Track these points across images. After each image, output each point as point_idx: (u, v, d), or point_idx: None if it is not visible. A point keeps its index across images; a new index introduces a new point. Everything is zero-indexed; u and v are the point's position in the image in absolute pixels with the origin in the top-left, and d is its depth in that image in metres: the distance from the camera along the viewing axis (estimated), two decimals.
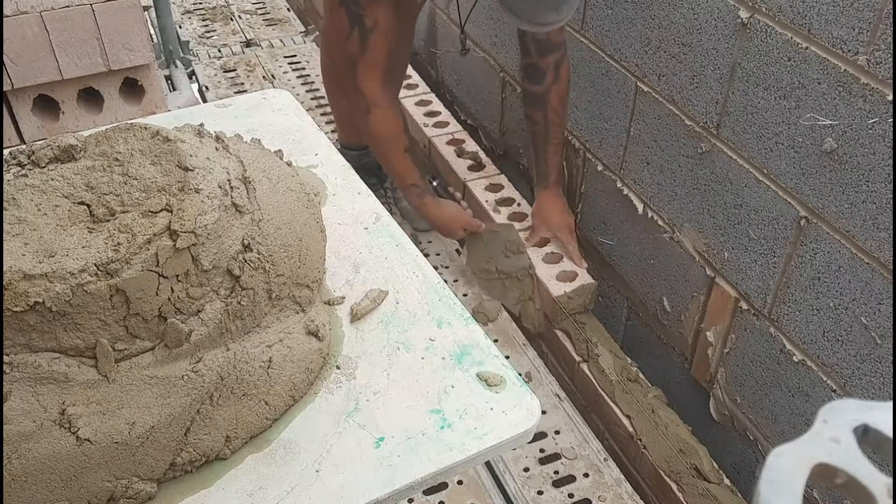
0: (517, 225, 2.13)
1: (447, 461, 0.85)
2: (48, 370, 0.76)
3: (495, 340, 1.96)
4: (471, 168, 2.36)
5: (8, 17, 1.72)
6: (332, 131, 2.69)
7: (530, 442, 1.71)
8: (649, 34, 1.68)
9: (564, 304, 1.92)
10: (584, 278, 1.97)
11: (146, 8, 2.13)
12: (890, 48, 1.18)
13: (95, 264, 0.76)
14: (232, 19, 3.32)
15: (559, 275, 1.98)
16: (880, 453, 0.42)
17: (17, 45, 1.76)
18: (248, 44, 3.14)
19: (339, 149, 1.96)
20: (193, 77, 2.91)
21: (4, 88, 1.79)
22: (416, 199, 1.99)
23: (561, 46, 1.81)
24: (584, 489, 1.66)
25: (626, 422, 1.74)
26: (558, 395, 1.86)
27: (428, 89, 2.72)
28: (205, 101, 2.76)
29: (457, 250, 2.28)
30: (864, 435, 0.41)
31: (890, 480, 0.39)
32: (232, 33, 3.22)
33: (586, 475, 1.68)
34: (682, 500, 1.61)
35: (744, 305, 1.60)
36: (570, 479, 1.68)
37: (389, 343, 0.98)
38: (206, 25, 3.27)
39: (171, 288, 0.80)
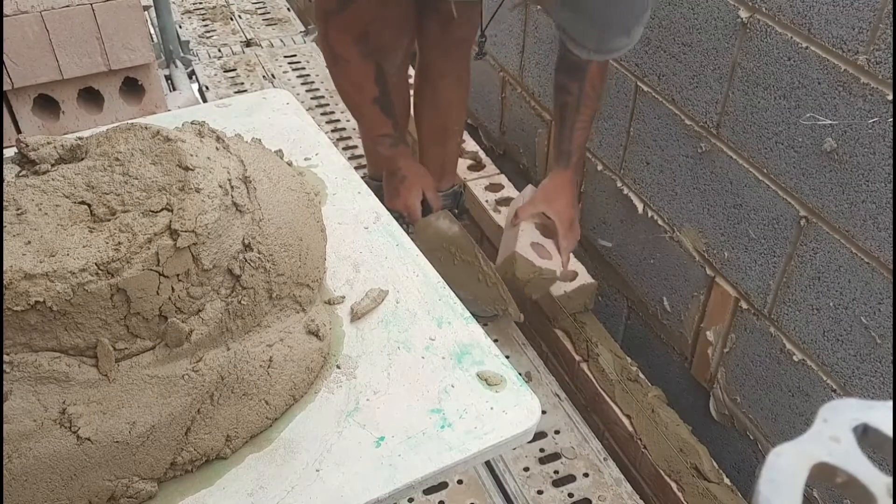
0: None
1: (447, 461, 0.85)
2: (49, 369, 0.76)
3: (495, 340, 1.96)
4: (471, 168, 2.36)
5: (8, 16, 1.72)
6: (333, 131, 2.69)
7: (530, 441, 1.70)
8: (649, 34, 1.68)
9: (564, 304, 1.92)
10: (585, 278, 1.94)
11: (146, 7, 2.14)
12: (890, 48, 1.18)
13: (96, 263, 0.76)
14: (232, 19, 3.32)
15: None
16: (880, 453, 0.42)
17: (17, 45, 1.76)
18: (248, 44, 3.14)
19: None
20: (193, 77, 2.91)
21: (4, 88, 1.80)
22: (387, 149, 1.86)
23: None
24: (584, 489, 1.66)
25: (626, 421, 1.75)
26: (558, 395, 1.86)
27: None
28: (205, 100, 2.76)
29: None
30: (864, 434, 0.42)
31: (890, 480, 0.39)
32: (232, 33, 3.22)
33: (586, 475, 1.69)
34: (682, 499, 1.61)
35: (744, 305, 1.60)
36: (570, 478, 1.68)
37: (389, 342, 0.98)
38: (206, 25, 3.27)
39: (172, 287, 0.80)
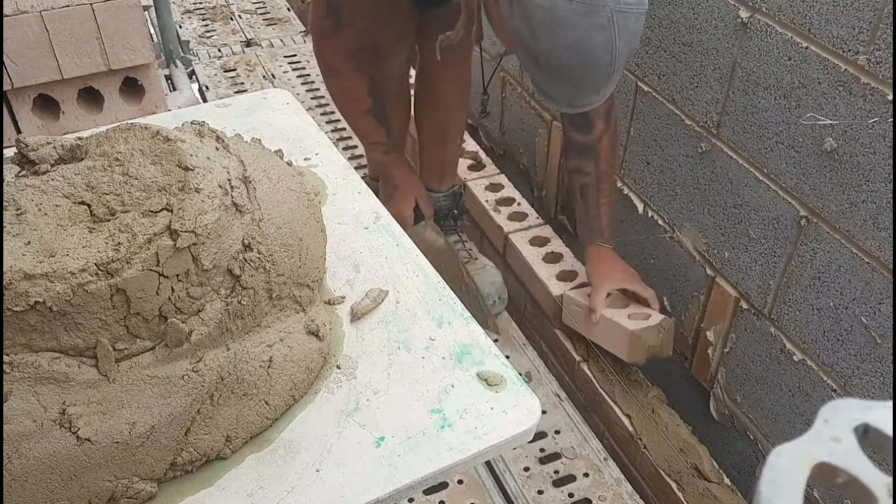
0: (517, 224, 2.13)
1: (447, 461, 0.85)
2: (48, 370, 0.76)
3: (495, 340, 1.96)
4: (471, 168, 2.36)
5: (8, 16, 1.72)
6: (333, 131, 2.69)
7: (530, 441, 1.70)
8: (649, 34, 1.68)
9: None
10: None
11: (146, 7, 2.13)
12: (890, 48, 1.18)
13: (96, 264, 0.76)
14: (232, 19, 3.32)
15: (559, 274, 1.98)
16: (881, 453, 0.42)
17: (17, 45, 1.76)
18: (248, 43, 3.14)
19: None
20: (193, 77, 2.91)
21: (4, 88, 1.80)
22: (380, 156, 1.91)
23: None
24: (584, 489, 1.66)
25: (626, 421, 1.75)
26: (558, 395, 1.86)
27: None
28: (205, 100, 2.76)
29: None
30: (865, 434, 0.41)
31: (890, 480, 0.39)
32: (232, 33, 3.22)
33: (586, 475, 1.68)
34: (682, 499, 1.61)
35: (744, 305, 1.60)
36: (571, 478, 1.68)
37: (389, 343, 0.98)
38: (206, 25, 3.27)
39: (172, 287, 0.80)
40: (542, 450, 1.74)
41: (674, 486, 1.63)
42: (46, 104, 1.91)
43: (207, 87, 2.85)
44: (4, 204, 0.82)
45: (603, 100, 1.38)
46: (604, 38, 1.22)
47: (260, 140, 1.10)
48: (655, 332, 1.71)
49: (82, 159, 0.88)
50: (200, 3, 3.44)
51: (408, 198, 1.93)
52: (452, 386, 0.93)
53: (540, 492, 1.65)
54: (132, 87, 1.98)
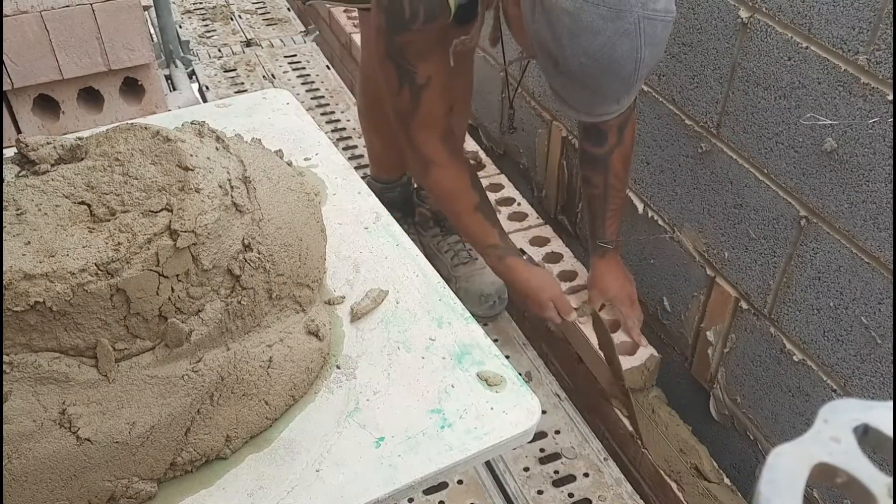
0: (517, 224, 2.13)
1: (447, 461, 0.85)
2: (48, 370, 0.76)
3: (495, 340, 1.96)
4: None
5: (8, 16, 1.72)
6: (333, 131, 2.69)
7: (530, 441, 1.70)
8: None
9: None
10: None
11: (146, 7, 2.13)
12: (890, 48, 1.18)
13: (96, 264, 0.76)
14: (232, 19, 3.32)
15: (559, 274, 1.97)
16: (880, 453, 0.42)
17: (17, 45, 1.76)
18: (248, 44, 3.14)
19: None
20: (193, 77, 2.91)
21: (4, 88, 1.79)
22: (496, 262, 1.70)
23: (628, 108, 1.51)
24: (584, 489, 1.66)
25: (626, 422, 1.75)
26: (558, 395, 1.86)
27: None
28: (205, 100, 2.76)
29: None
30: (865, 434, 0.41)
31: (890, 480, 0.39)
32: (232, 33, 3.22)
33: (586, 475, 1.68)
34: (682, 499, 1.61)
35: (744, 305, 1.60)
36: (571, 478, 1.68)
37: (389, 343, 0.98)
38: (206, 25, 3.27)
39: (172, 287, 0.80)
40: (542, 450, 1.74)
41: (674, 486, 1.63)
42: (46, 104, 1.91)
43: (207, 87, 2.85)
44: (4, 204, 0.82)
45: (622, 109, 1.36)
46: (629, 46, 1.19)
47: (260, 140, 1.10)
48: (639, 372, 1.73)
49: (82, 159, 0.88)
50: (200, 3, 3.44)
51: (547, 307, 1.73)
52: (452, 386, 0.93)
53: (540, 492, 1.65)
54: (132, 87, 1.98)
